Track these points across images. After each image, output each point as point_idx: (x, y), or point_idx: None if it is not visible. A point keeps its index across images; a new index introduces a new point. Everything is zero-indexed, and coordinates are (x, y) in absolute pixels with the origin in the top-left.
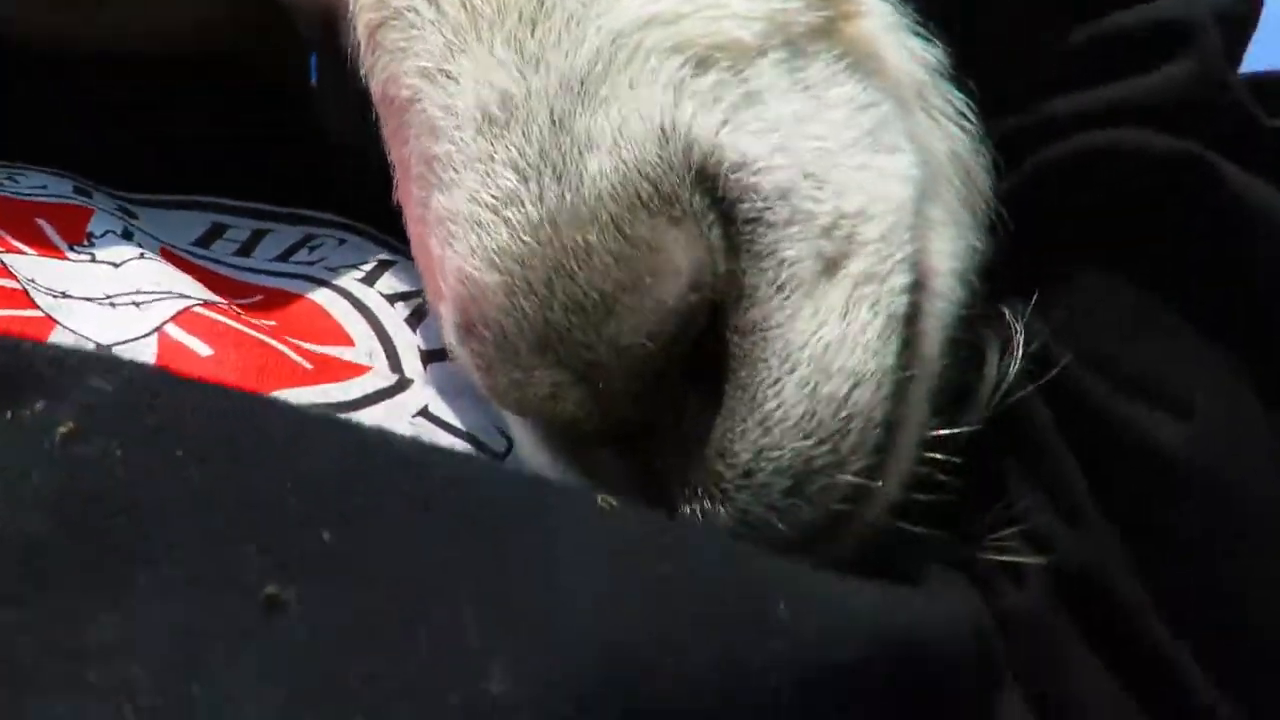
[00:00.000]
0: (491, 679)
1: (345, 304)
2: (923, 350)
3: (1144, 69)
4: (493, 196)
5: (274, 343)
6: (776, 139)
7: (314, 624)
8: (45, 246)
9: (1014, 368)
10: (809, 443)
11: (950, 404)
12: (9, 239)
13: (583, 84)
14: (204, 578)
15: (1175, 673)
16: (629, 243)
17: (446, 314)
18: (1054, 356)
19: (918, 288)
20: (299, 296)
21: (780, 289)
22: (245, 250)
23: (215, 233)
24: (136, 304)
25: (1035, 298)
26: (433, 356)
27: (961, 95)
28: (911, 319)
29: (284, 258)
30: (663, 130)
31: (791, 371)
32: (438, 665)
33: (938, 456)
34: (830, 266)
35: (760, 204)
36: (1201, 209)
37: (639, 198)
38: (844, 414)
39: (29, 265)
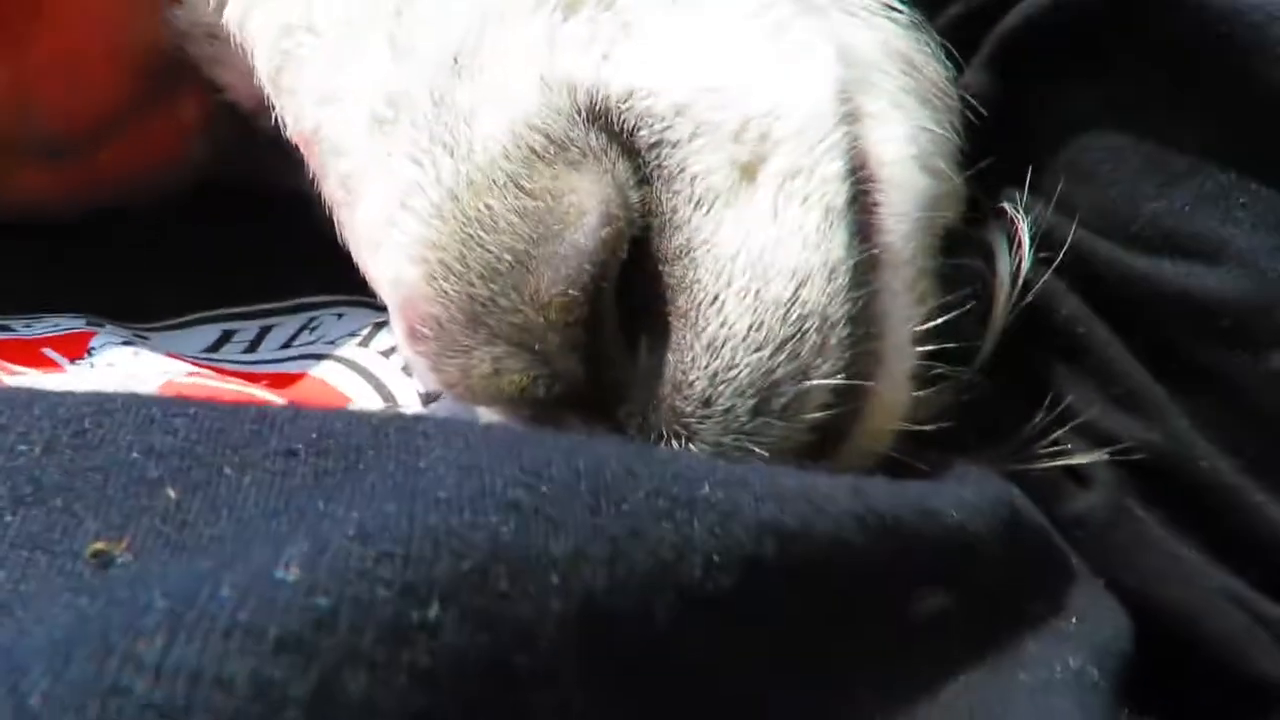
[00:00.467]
0: (279, 567)
1: (342, 368)
2: (882, 237)
3: None
4: (397, 192)
5: (258, 392)
6: (663, 60)
7: (140, 569)
8: (46, 365)
9: (1027, 259)
10: (763, 354)
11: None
12: (12, 366)
13: (456, 60)
14: (36, 546)
15: None
16: (530, 196)
17: (395, 330)
18: (1062, 234)
19: (859, 176)
20: (300, 375)
21: (699, 205)
22: (252, 347)
23: (224, 339)
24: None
25: (1029, 177)
26: (431, 398)
27: None
28: (860, 207)
29: (287, 345)
30: (542, 79)
31: (729, 284)
32: (234, 564)
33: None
34: (748, 171)
35: (659, 126)
36: (1171, 32)
37: (533, 150)
38: (794, 315)
39: (24, 380)
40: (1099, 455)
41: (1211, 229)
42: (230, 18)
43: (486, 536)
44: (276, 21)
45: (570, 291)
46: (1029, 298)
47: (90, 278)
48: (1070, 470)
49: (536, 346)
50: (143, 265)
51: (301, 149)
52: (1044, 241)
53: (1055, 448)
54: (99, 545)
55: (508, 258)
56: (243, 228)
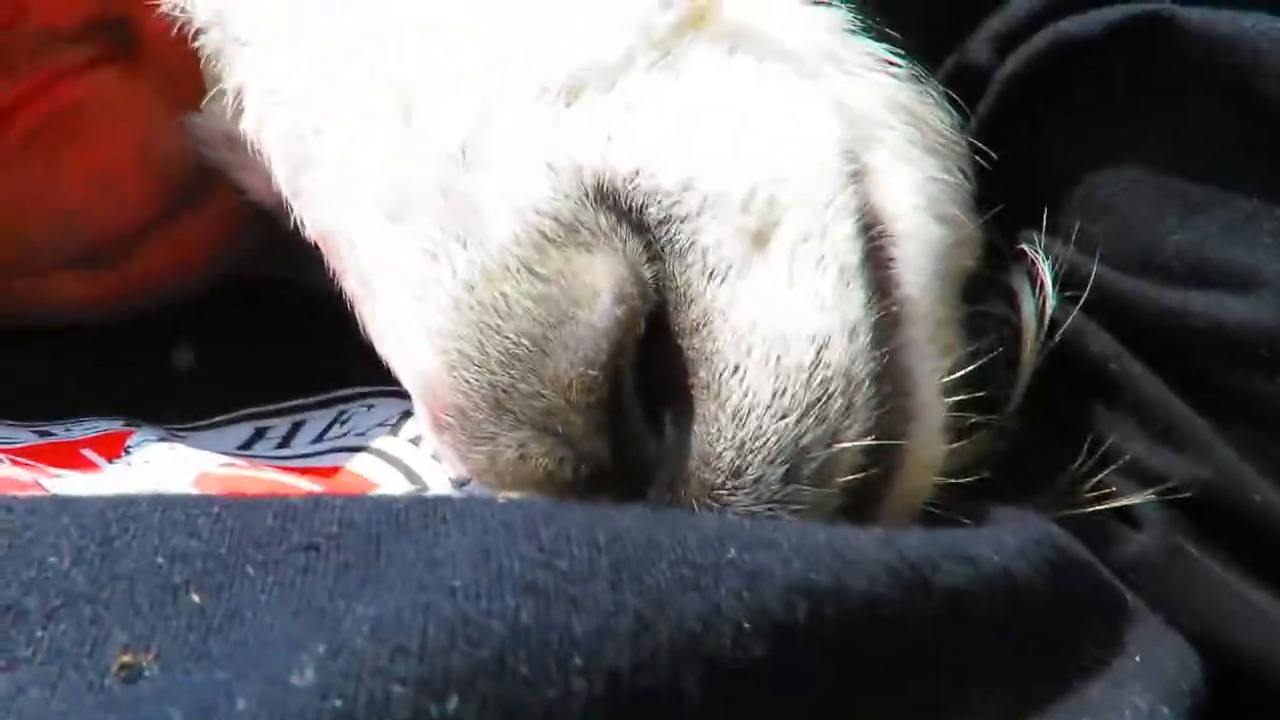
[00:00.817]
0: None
1: (373, 459)
2: (900, 291)
3: None
4: (415, 288)
5: (289, 480)
6: (666, 136)
7: (164, 683)
8: (85, 466)
9: (1051, 298)
10: (790, 420)
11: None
12: (52, 470)
13: (464, 152)
14: (66, 662)
15: None
16: (544, 280)
17: (420, 421)
18: (1084, 271)
19: (871, 232)
20: (333, 469)
21: (712, 276)
22: (285, 443)
23: (257, 436)
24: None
25: (1045, 219)
26: (462, 482)
27: (882, 44)
28: (875, 264)
29: (319, 439)
30: (549, 164)
31: (749, 353)
32: (251, 673)
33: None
34: (759, 238)
35: (666, 202)
36: (1174, 63)
37: (543, 235)
38: (818, 379)
39: (62, 483)
40: (1147, 495)
41: (1238, 257)
42: (247, 125)
43: (504, 622)
44: (289, 127)
45: (590, 372)
46: (1057, 338)
47: (125, 380)
48: (1119, 513)
49: (560, 429)
50: (171, 363)
51: (321, 247)
52: (1067, 280)
53: (1101, 490)
54: (126, 658)
55: (525, 343)
56: (272, 323)
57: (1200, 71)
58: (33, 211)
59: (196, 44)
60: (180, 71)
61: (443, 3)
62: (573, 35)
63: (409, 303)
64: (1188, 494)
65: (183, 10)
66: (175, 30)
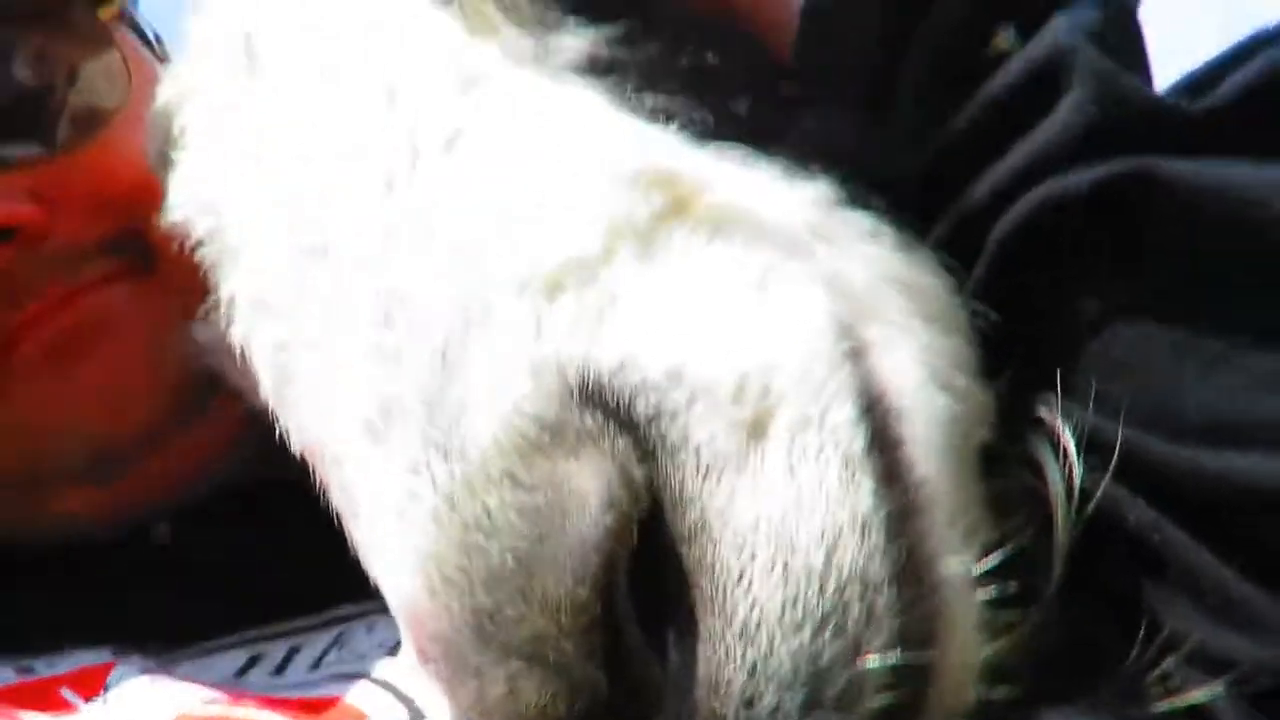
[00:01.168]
0: None
1: (371, 688)
2: (913, 475)
3: (1040, 115)
4: (397, 504)
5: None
6: (650, 328)
7: None
8: (60, 708)
9: (1077, 468)
10: (805, 635)
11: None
12: (24, 715)
13: (444, 357)
14: None
15: None
16: (529, 490)
17: (407, 651)
18: (1108, 435)
19: (875, 413)
20: (330, 700)
21: (707, 475)
22: (280, 670)
23: (251, 663)
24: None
25: (1059, 380)
26: None
27: (869, 214)
28: (881, 447)
29: (315, 666)
30: (531, 364)
31: (752, 558)
32: None
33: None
34: (756, 429)
35: (655, 395)
36: (1165, 217)
37: (527, 441)
38: (831, 585)
39: None
40: (1217, 686)
41: (1270, 412)
42: (235, 335)
43: None
44: (275, 338)
45: (579, 589)
46: (1089, 509)
47: (115, 605)
48: (1191, 708)
49: (552, 657)
50: (169, 585)
51: (307, 460)
52: (1090, 445)
53: (1166, 682)
54: None
55: (510, 561)
56: (272, 533)
57: (1191, 225)
58: (45, 425)
59: (197, 256)
60: (191, 283)
61: (421, 206)
62: (552, 230)
63: (390, 520)
64: (1260, 680)
65: (186, 224)
66: (181, 243)
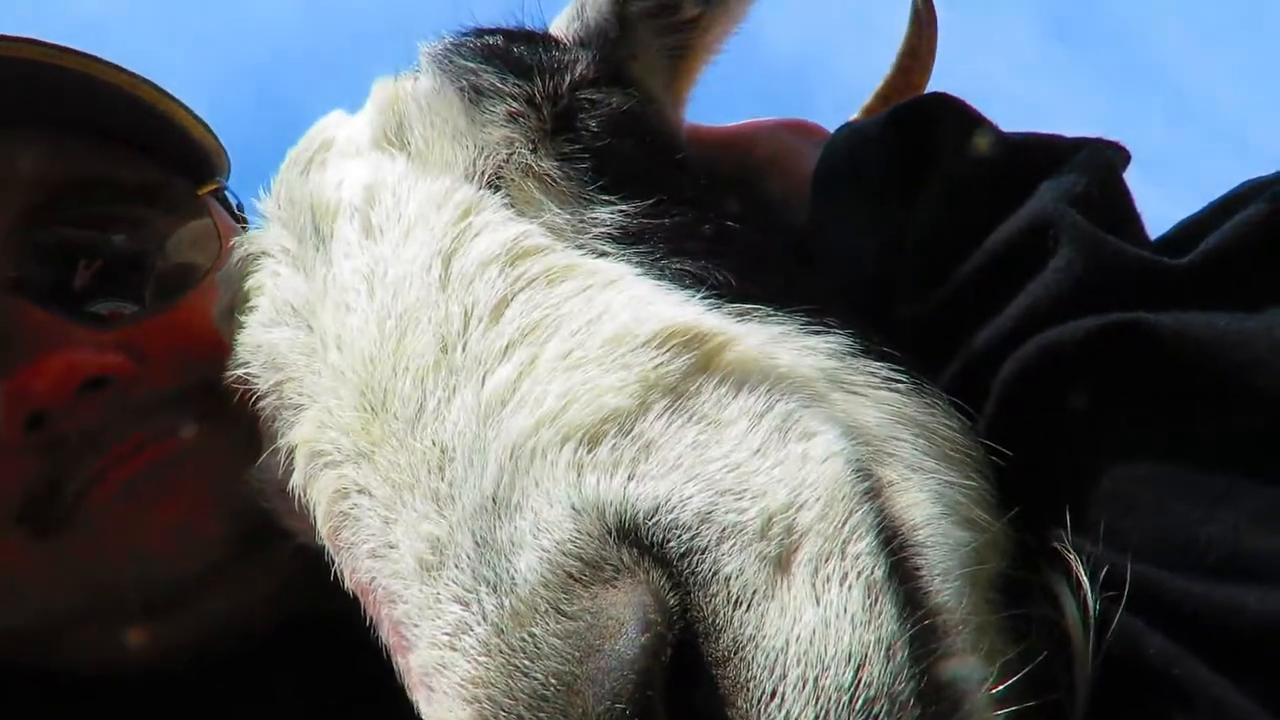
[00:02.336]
0: None
1: None
2: (934, 601)
3: (1032, 273)
4: (446, 635)
5: None
6: (682, 473)
7: None
8: None
9: (1091, 600)
10: None
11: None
12: None
13: (494, 501)
14: None
15: None
16: (571, 618)
17: None
18: (1123, 569)
19: (893, 545)
20: None
21: (738, 604)
22: None
23: None
24: None
25: (1069, 518)
26: None
27: (883, 362)
28: (901, 577)
29: None
30: (574, 508)
31: (784, 677)
32: None
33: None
34: (782, 563)
35: (686, 536)
36: (1154, 364)
37: (569, 575)
38: (860, 700)
39: None
40: None
41: (1270, 546)
42: (296, 481)
43: None
44: (334, 486)
45: (617, 705)
46: (1108, 640)
47: None
48: None
49: None
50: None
51: (360, 598)
52: (1107, 578)
53: None
54: None
55: (554, 682)
56: (319, 674)
57: (1183, 370)
58: (114, 559)
59: (259, 406)
60: (257, 429)
61: (472, 366)
62: (593, 386)
63: (441, 651)
64: None
65: (250, 377)
66: (245, 395)
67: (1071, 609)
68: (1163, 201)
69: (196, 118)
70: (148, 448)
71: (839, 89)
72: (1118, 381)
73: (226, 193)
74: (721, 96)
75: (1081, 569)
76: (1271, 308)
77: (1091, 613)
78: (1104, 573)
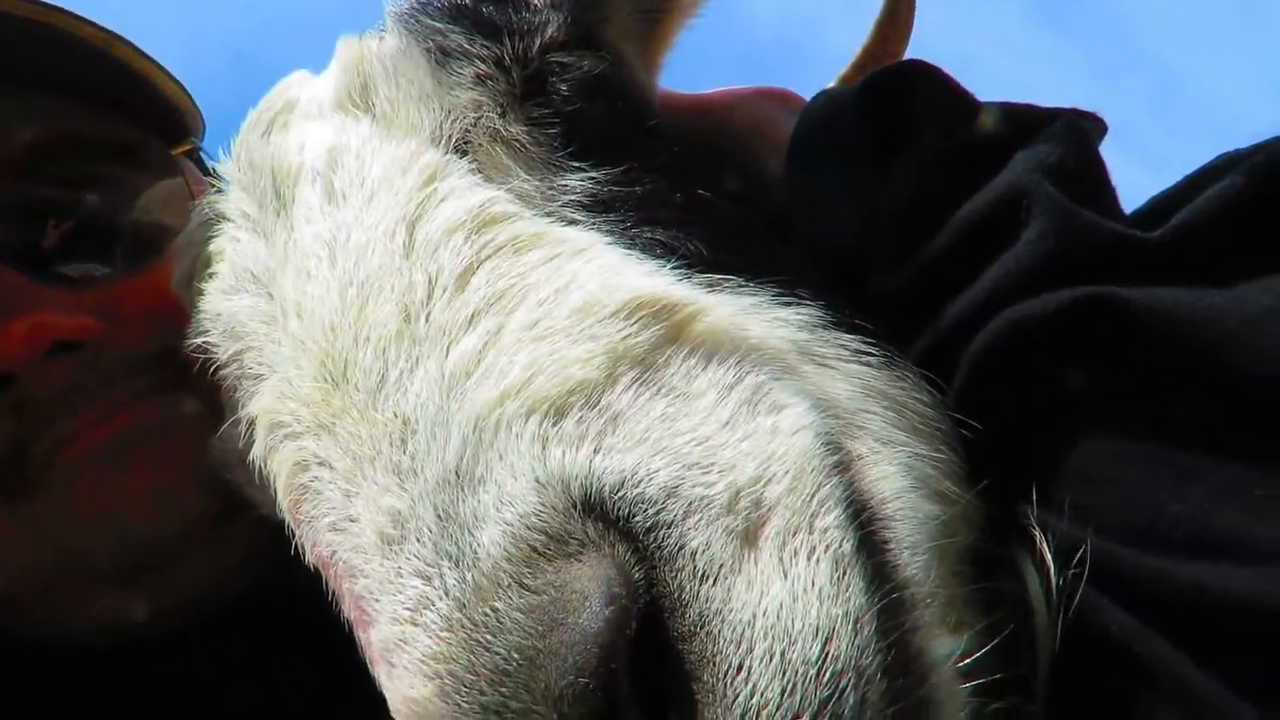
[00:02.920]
0: None
1: None
2: (901, 574)
3: (1005, 245)
4: (407, 610)
5: None
6: (649, 446)
7: None
8: None
9: (1054, 576)
10: None
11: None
12: None
13: (457, 474)
14: None
15: None
16: (534, 592)
17: None
18: (1086, 546)
19: (862, 519)
20: None
21: (704, 578)
22: None
23: None
24: None
25: (1035, 492)
26: None
27: (854, 335)
28: (869, 550)
29: None
30: (538, 480)
31: (750, 650)
32: None
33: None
34: (749, 537)
35: (652, 510)
36: (1123, 338)
37: (533, 549)
38: (828, 674)
39: None
40: None
41: (1237, 524)
42: (256, 454)
43: None
44: (294, 458)
45: (581, 679)
46: (1070, 616)
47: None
48: None
49: None
50: (180, 694)
51: (321, 572)
52: (1070, 554)
53: None
54: None
55: (516, 657)
56: (284, 650)
57: (1151, 345)
58: (89, 524)
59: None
60: (216, 400)
61: (435, 336)
62: (559, 357)
63: (402, 628)
64: None
65: (209, 347)
66: (206, 363)
67: (1035, 585)
68: (1149, 184)
69: (171, 77)
70: (122, 411)
71: (828, 62)
72: (1088, 356)
73: (201, 155)
74: (707, 69)
75: (1046, 545)
76: (1243, 282)
77: (1054, 588)
78: (1073, 549)
